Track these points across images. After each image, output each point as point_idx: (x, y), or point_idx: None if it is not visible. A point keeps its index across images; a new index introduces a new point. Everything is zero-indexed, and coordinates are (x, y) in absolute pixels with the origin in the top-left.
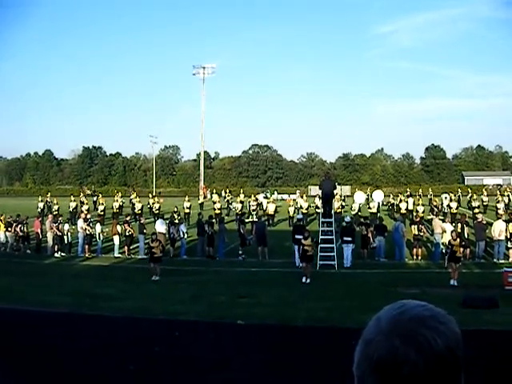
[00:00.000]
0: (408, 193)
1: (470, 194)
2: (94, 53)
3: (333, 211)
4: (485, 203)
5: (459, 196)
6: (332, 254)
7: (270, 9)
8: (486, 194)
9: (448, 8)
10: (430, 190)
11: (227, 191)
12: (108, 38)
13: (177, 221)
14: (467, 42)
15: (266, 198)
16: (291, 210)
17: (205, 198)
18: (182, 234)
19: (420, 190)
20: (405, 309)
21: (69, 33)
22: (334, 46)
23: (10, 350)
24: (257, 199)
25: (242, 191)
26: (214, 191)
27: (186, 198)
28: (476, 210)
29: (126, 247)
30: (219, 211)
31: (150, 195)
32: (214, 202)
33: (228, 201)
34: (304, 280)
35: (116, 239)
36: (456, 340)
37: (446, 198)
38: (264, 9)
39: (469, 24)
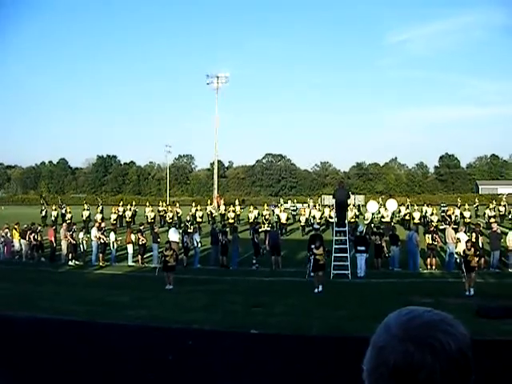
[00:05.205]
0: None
1: (476, 204)
2: (109, 63)
3: (346, 220)
4: (501, 213)
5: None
6: (346, 263)
7: (282, 17)
8: (502, 203)
9: (461, 16)
10: (459, 199)
11: (240, 201)
12: (122, 48)
13: (190, 230)
14: (481, 50)
15: (277, 206)
16: (303, 219)
17: (218, 207)
18: (195, 242)
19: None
20: (414, 314)
21: (83, 42)
22: (348, 55)
23: (24, 359)
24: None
25: (238, 202)
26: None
27: (199, 207)
28: (492, 220)
29: (139, 256)
30: (233, 220)
31: (164, 204)
32: (212, 212)
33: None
34: (316, 290)
35: (130, 248)
36: (466, 342)
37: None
38: (276, 17)
39: (482, 32)
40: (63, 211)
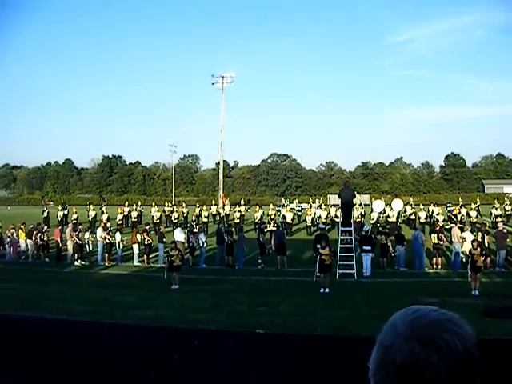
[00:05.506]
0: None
1: (478, 203)
2: (114, 63)
3: (352, 220)
4: (507, 212)
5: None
6: (351, 263)
7: (285, 18)
8: (508, 202)
9: (462, 16)
10: (461, 199)
11: (245, 201)
12: (127, 48)
13: (196, 230)
14: (481, 49)
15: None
16: (309, 218)
17: (224, 206)
18: (201, 242)
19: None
20: (420, 313)
21: (87, 43)
22: (349, 55)
23: (30, 359)
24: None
25: (244, 202)
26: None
27: (204, 207)
28: (498, 219)
29: (145, 256)
30: (238, 220)
31: (170, 204)
32: (219, 212)
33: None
34: (322, 290)
35: (135, 248)
36: (473, 342)
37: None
38: (280, 18)
39: (484, 31)
40: (66, 211)
